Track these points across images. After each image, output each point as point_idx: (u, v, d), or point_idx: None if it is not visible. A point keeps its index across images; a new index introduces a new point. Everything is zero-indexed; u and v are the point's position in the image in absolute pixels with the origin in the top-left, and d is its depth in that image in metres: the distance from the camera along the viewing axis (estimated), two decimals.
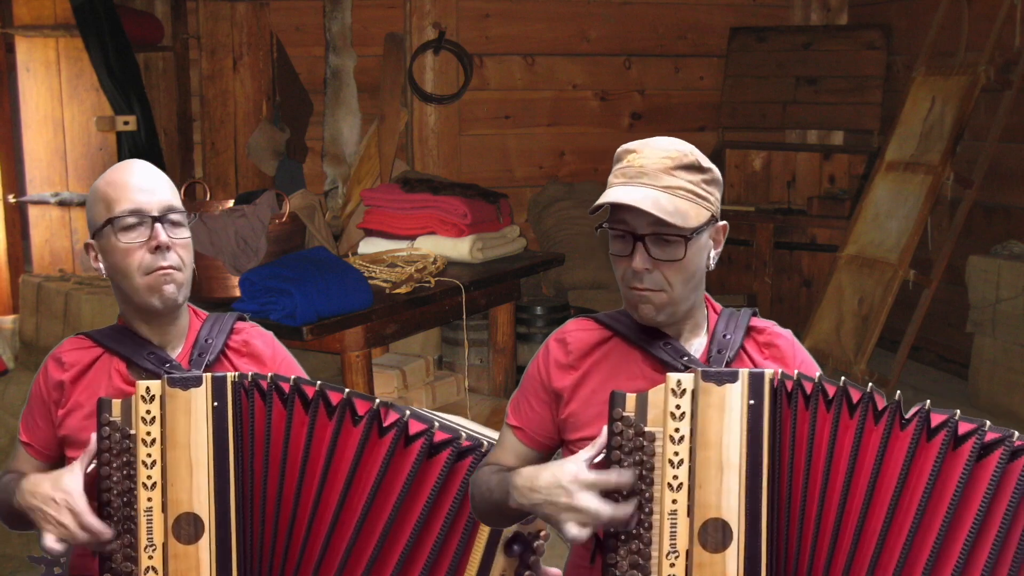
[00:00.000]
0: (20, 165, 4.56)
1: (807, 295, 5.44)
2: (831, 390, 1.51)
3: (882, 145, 5.09)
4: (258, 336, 1.93)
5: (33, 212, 4.44)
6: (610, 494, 1.52)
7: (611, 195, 1.62)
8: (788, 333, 1.78)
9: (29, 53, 4.36)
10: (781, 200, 5.87)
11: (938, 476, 1.46)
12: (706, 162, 1.66)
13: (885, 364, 4.88)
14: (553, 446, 1.82)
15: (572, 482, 1.51)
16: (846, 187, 5.71)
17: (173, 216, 1.78)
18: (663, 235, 1.60)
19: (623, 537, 1.52)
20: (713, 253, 1.70)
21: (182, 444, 1.59)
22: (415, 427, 1.64)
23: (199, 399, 1.60)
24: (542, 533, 1.73)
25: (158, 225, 1.76)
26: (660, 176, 1.62)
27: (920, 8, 5.39)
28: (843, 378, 1.54)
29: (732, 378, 1.49)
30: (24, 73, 4.39)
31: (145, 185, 1.78)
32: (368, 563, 1.64)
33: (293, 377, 1.65)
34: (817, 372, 1.74)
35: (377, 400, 1.65)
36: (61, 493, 1.63)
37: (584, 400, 1.72)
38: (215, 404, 1.60)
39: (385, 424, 1.64)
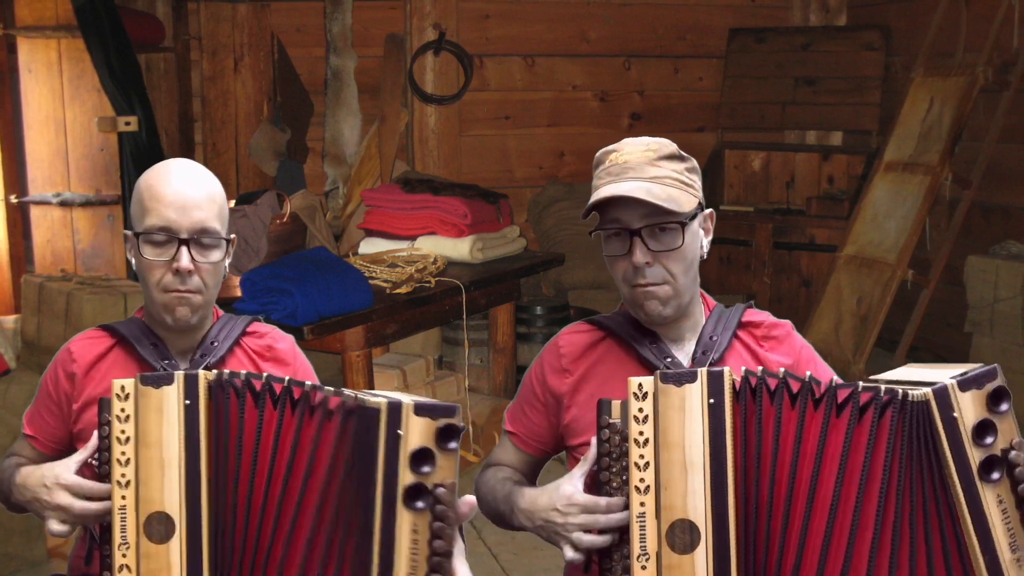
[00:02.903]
0: (22, 165, 4.57)
1: (806, 295, 5.44)
2: (812, 387, 1.49)
3: (881, 145, 5.09)
4: (281, 340, 1.91)
5: (35, 212, 4.46)
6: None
7: (602, 193, 1.64)
8: (786, 323, 1.78)
9: (31, 54, 4.37)
10: (780, 200, 5.88)
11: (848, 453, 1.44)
12: (685, 153, 1.69)
13: (884, 364, 4.88)
14: (550, 451, 1.83)
15: (566, 506, 1.55)
16: (845, 187, 5.72)
17: (204, 239, 1.72)
18: (659, 224, 1.61)
19: (616, 543, 1.53)
20: (705, 241, 1.71)
21: (154, 443, 1.56)
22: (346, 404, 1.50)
23: (171, 397, 1.57)
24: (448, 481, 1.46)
25: (183, 248, 1.70)
26: (645, 168, 1.64)
27: (919, 9, 5.40)
28: (836, 377, 1.54)
29: (691, 378, 1.48)
30: (26, 74, 4.41)
31: (180, 201, 1.70)
32: (322, 551, 1.51)
33: (265, 375, 1.60)
34: (819, 360, 1.75)
35: (346, 391, 1.54)
36: (51, 478, 1.63)
37: (583, 405, 1.73)
38: (187, 402, 1.57)
39: (331, 408, 1.51)
